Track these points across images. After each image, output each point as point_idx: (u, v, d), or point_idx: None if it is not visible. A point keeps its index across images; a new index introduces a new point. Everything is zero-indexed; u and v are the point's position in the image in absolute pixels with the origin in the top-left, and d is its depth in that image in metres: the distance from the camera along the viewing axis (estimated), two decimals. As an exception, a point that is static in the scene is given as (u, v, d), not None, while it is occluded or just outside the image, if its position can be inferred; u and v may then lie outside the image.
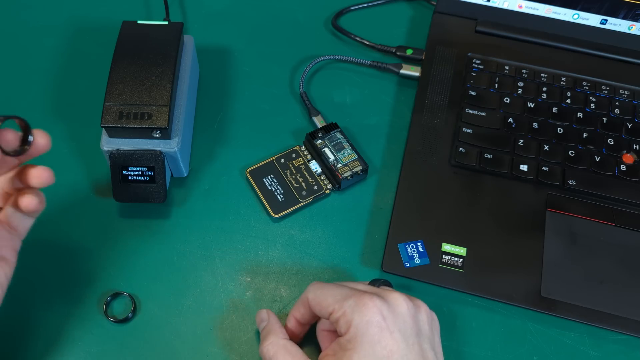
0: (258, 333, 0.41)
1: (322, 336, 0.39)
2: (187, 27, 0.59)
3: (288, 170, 0.49)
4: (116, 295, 0.43)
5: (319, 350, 0.39)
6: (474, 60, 0.55)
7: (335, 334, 0.35)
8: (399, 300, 0.35)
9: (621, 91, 0.54)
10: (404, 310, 0.34)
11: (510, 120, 0.51)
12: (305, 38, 0.58)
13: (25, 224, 0.36)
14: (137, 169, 0.44)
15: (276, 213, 0.47)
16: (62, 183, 0.48)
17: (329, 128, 0.50)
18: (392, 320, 0.34)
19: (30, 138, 0.33)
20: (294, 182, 0.48)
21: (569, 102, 0.53)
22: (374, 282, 0.39)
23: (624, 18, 0.55)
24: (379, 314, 0.33)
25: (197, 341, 0.41)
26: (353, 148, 0.49)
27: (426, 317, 0.36)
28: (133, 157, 0.43)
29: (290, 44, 0.58)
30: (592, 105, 0.52)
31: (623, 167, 0.49)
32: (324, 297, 0.36)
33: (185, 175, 0.48)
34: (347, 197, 0.49)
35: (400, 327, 0.34)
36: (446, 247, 0.44)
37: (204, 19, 0.59)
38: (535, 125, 0.51)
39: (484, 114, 0.52)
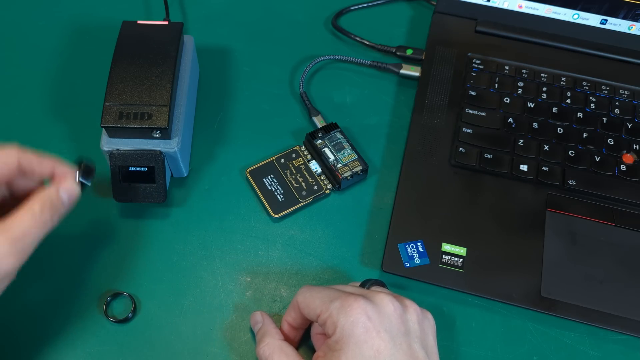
0: (258, 333, 0.41)
1: (316, 339, 0.39)
2: (187, 27, 0.59)
3: (288, 170, 0.49)
4: (116, 295, 0.43)
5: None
6: (474, 60, 0.55)
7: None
8: (385, 301, 0.35)
9: (621, 91, 0.54)
10: (390, 310, 0.35)
11: (510, 120, 0.51)
12: (305, 38, 0.58)
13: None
14: (137, 169, 0.44)
15: (276, 213, 0.47)
16: (62, 183, 0.48)
17: (329, 128, 0.50)
18: (378, 320, 0.34)
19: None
20: (294, 182, 0.48)
21: (569, 102, 0.53)
22: (365, 283, 0.39)
23: (624, 18, 0.55)
24: (364, 315, 0.34)
25: (197, 341, 0.41)
26: (353, 148, 0.49)
27: (416, 317, 0.36)
28: (133, 157, 0.43)
29: (290, 44, 0.58)
30: (592, 105, 0.53)
31: (623, 167, 0.49)
32: (312, 300, 0.36)
33: (185, 175, 0.48)
34: (347, 197, 0.49)
35: (386, 327, 0.34)
36: (446, 247, 0.44)
37: (204, 19, 0.59)
38: (535, 125, 0.51)
39: (484, 114, 0.52)
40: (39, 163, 0.35)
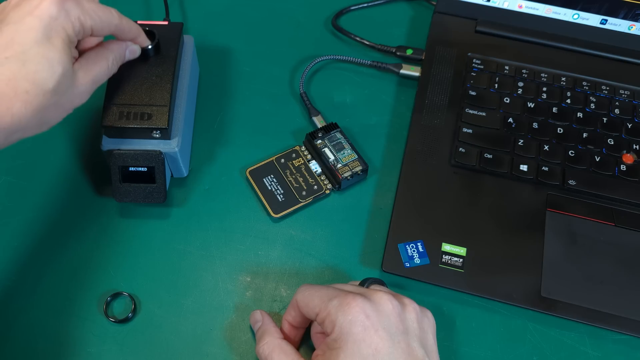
0: (258, 333, 0.41)
1: (316, 338, 0.39)
2: (187, 27, 0.59)
3: (288, 170, 0.49)
4: (116, 295, 0.43)
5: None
6: (474, 60, 0.55)
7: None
8: (383, 299, 0.35)
9: (621, 91, 0.54)
10: (389, 308, 0.35)
11: (510, 120, 0.51)
12: (305, 38, 0.58)
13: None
14: (137, 169, 0.44)
15: (276, 213, 0.47)
16: (62, 183, 0.48)
17: (329, 128, 0.50)
18: (376, 319, 0.34)
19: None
20: (294, 182, 0.48)
21: (569, 102, 0.53)
22: (364, 282, 0.39)
23: (624, 18, 0.55)
24: (362, 313, 0.34)
25: (197, 341, 0.41)
26: (353, 148, 0.49)
27: (415, 316, 0.36)
28: (133, 157, 0.43)
29: (290, 44, 0.58)
30: (592, 105, 0.53)
31: (623, 167, 0.49)
32: (311, 299, 0.36)
33: (185, 175, 0.48)
34: (347, 197, 0.49)
35: (384, 325, 0.34)
36: (446, 247, 0.44)
37: (204, 19, 0.59)
38: (535, 125, 0.51)
39: (484, 114, 0.52)
40: (129, 29, 0.41)
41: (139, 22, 0.47)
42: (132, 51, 0.43)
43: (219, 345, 0.41)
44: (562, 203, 0.47)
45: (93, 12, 0.37)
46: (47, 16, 0.34)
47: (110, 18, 0.38)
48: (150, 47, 0.44)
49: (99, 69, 0.39)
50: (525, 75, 0.54)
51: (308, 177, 0.48)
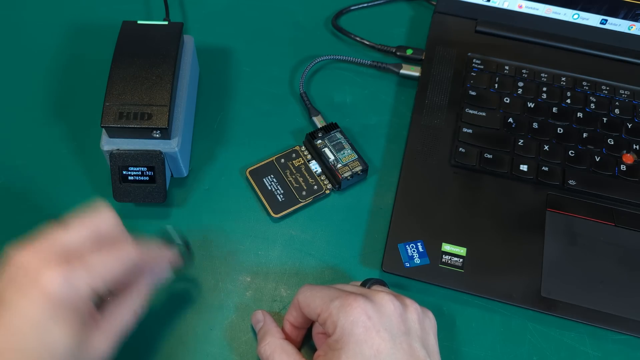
0: (258, 333, 0.41)
1: (317, 339, 0.39)
2: (187, 27, 0.59)
3: (288, 170, 0.49)
4: (116, 295, 0.43)
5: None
6: (474, 60, 0.55)
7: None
8: (385, 300, 0.35)
9: (621, 91, 0.54)
10: (390, 309, 0.35)
11: (510, 120, 0.51)
12: (305, 38, 0.58)
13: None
14: (137, 169, 0.44)
15: (276, 213, 0.47)
16: (62, 183, 0.48)
17: (329, 128, 0.50)
18: (378, 320, 0.34)
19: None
20: (294, 182, 0.48)
21: (569, 102, 0.53)
22: (365, 283, 0.39)
23: (624, 18, 0.55)
24: (363, 314, 0.34)
25: (197, 341, 0.41)
26: (353, 148, 0.49)
27: (416, 316, 0.36)
28: (133, 157, 0.44)
29: (290, 44, 0.58)
30: (592, 105, 0.53)
31: (623, 167, 0.49)
32: (312, 299, 0.36)
33: (185, 175, 0.48)
34: (347, 197, 0.49)
35: (386, 326, 0.34)
36: (446, 247, 0.44)
37: (204, 19, 0.59)
38: (535, 125, 0.51)
39: (484, 114, 0.52)
40: (154, 257, 0.36)
41: (139, 22, 0.47)
42: (164, 274, 0.37)
43: (219, 345, 0.41)
44: (562, 203, 0.47)
45: (103, 268, 0.31)
46: (48, 297, 0.29)
47: (127, 260, 0.32)
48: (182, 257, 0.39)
49: (123, 326, 0.33)
50: (525, 75, 0.54)
51: (308, 177, 0.48)
